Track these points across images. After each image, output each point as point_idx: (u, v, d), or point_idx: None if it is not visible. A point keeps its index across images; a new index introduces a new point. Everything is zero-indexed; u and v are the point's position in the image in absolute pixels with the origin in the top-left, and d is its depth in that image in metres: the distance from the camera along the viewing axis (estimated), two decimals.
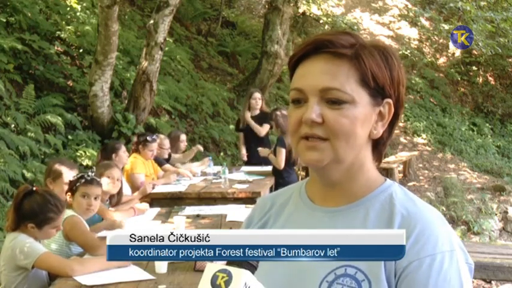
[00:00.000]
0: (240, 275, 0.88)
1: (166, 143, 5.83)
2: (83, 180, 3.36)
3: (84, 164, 6.28)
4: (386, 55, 1.07)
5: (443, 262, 0.98)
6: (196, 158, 6.83)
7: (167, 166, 5.82)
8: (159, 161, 5.73)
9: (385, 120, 1.07)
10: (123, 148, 4.91)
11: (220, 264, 0.91)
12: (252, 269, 0.92)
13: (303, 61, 1.07)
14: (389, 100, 1.07)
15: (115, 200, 4.19)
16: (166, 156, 5.91)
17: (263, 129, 6.49)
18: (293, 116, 1.06)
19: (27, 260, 2.74)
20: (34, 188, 2.96)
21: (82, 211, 3.37)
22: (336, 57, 1.04)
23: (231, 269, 0.89)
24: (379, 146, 1.10)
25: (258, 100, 6.61)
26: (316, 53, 1.05)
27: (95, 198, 3.41)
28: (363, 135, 1.05)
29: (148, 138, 5.29)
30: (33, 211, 2.85)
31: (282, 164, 5.71)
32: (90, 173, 3.47)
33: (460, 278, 0.99)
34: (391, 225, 1.02)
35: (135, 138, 5.58)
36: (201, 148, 6.62)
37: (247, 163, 6.63)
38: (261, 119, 6.60)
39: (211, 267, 0.90)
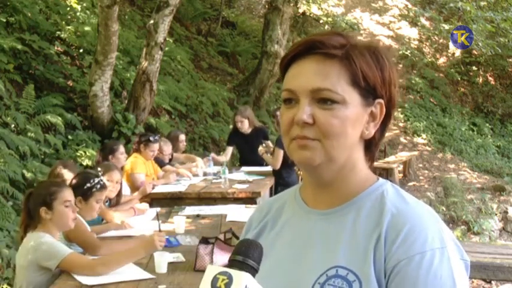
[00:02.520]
0: (240, 277, 0.88)
1: (167, 148, 5.80)
2: (99, 186, 3.38)
3: (84, 164, 6.28)
4: (378, 55, 1.07)
5: (434, 259, 0.96)
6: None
7: (167, 166, 5.81)
8: (160, 162, 5.73)
9: (376, 120, 1.07)
10: (121, 149, 4.90)
11: (221, 266, 0.90)
12: (253, 271, 0.92)
13: (295, 62, 1.07)
14: (381, 100, 1.06)
15: (114, 200, 4.20)
16: (167, 161, 5.90)
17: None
18: (284, 116, 1.06)
19: (51, 261, 2.73)
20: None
21: (92, 215, 3.39)
22: (327, 58, 1.04)
23: (232, 271, 0.89)
24: (371, 147, 1.10)
25: (239, 123, 6.35)
26: (307, 54, 1.06)
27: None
28: (354, 135, 1.05)
29: (150, 138, 5.28)
30: (38, 195, 2.88)
31: (278, 165, 5.71)
32: (102, 178, 3.48)
33: (452, 274, 0.97)
34: (381, 223, 1.01)
35: (136, 138, 5.57)
36: (210, 162, 6.43)
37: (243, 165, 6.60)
38: (258, 136, 6.41)
39: (212, 269, 0.90)
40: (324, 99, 1.02)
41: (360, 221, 1.04)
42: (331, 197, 1.09)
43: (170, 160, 5.96)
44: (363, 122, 1.06)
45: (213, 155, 6.78)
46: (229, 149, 6.69)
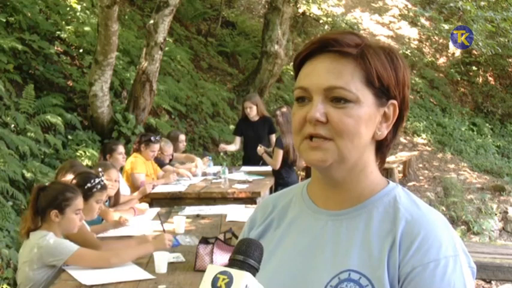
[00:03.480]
0: (241, 277, 0.88)
1: (168, 149, 5.81)
2: (99, 187, 3.38)
3: (84, 164, 6.27)
4: (392, 56, 1.06)
5: (447, 267, 0.97)
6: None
7: (167, 166, 5.81)
8: (160, 162, 5.73)
9: (389, 121, 1.06)
10: (119, 150, 4.90)
11: (221, 266, 0.90)
12: (253, 271, 0.91)
13: (308, 60, 1.06)
14: (394, 101, 1.06)
15: (113, 200, 4.20)
16: (167, 161, 5.90)
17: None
18: (297, 114, 1.05)
19: (59, 256, 2.76)
20: (47, 184, 3.04)
21: (92, 216, 3.39)
22: (341, 56, 1.03)
23: (232, 271, 0.89)
24: (382, 148, 1.09)
25: (248, 108, 6.45)
26: (321, 52, 1.05)
27: None
28: (367, 135, 1.04)
29: (151, 138, 5.29)
30: (52, 197, 2.88)
31: (277, 165, 5.71)
32: (103, 179, 3.49)
33: (464, 282, 0.98)
34: (395, 229, 1.01)
35: (137, 138, 5.57)
36: (210, 162, 6.49)
37: (246, 163, 6.62)
38: (264, 125, 6.53)
39: (212, 269, 0.90)
40: (337, 98, 1.01)
41: (372, 225, 1.03)
42: (341, 198, 1.08)
43: (170, 160, 5.97)
44: (376, 123, 1.05)
45: (222, 145, 6.83)
46: (238, 139, 6.74)
